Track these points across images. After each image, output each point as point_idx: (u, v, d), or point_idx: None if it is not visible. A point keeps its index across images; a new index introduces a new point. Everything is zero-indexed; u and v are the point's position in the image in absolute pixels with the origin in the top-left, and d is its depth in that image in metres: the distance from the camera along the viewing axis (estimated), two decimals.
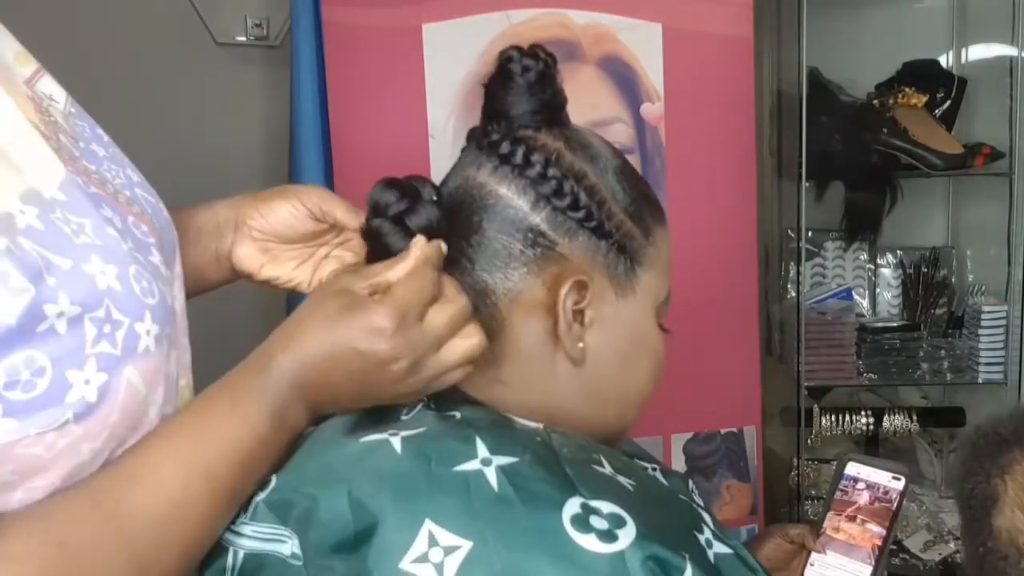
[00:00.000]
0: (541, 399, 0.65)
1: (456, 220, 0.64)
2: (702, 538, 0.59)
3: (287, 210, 0.73)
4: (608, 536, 0.52)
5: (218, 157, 2.00)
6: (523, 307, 0.63)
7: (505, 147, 0.64)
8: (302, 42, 1.60)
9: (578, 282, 0.63)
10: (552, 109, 0.67)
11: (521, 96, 0.66)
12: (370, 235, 0.64)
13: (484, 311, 0.64)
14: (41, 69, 0.59)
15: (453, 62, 1.56)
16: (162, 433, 0.56)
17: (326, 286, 0.63)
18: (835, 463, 2.16)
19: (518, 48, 0.67)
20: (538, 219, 0.63)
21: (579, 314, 0.64)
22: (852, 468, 0.89)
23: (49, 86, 0.60)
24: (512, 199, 0.63)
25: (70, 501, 0.52)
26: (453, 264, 0.64)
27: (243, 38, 2.04)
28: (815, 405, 2.06)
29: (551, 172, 0.63)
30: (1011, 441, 0.84)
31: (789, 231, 2.12)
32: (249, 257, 0.74)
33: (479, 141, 0.67)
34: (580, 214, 0.63)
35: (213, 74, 2.03)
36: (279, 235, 0.74)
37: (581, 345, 0.64)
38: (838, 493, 0.89)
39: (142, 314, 0.54)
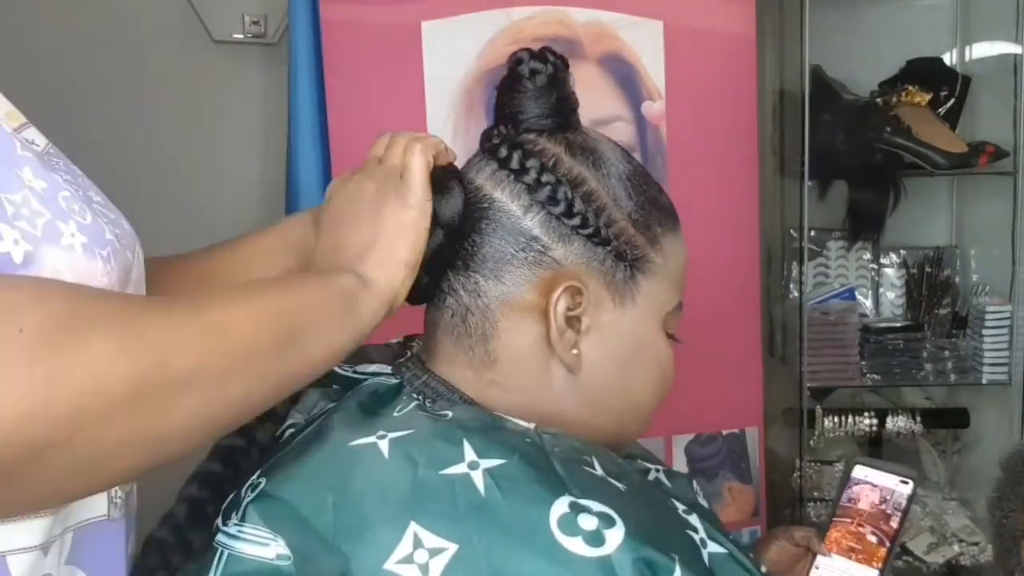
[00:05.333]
0: (537, 402, 0.64)
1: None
2: (696, 537, 0.58)
3: None
4: (596, 538, 0.52)
5: (216, 155, 1.99)
6: (515, 310, 0.63)
7: (503, 151, 0.65)
8: (300, 40, 1.59)
9: (571, 288, 0.63)
10: (561, 112, 0.67)
11: (529, 99, 0.67)
12: None
13: (477, 313, 0.64)
14: (28, 124, 0.58)
15: (452, 60, 1.55)
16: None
17: None
18: (838, 464, 2.17)
19: (528, 50, 0.67)
20: (531, 224, 0.63)
21: (574, 321, 0.63)
22: (859, 471, 0.88)
23: (33, 135, 0.59)
24: (507, 203, 0.64)
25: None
26: (449, 265, 0.65)
27: (240, 36, 2.02)
28: (818, 406, 2.05)
29: (545, 178, 0.63)
30: None
31: (791, 230, 2.11)
32: None
33: (482, 143, 0.68)
34: (575, 220, 0.63)
35: (210, 72, 2.02)
36: None
37: (575, 352, 0.64)
38: (845, 496, 0.88)
39: (66, 218, 0.52)
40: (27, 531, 0.50)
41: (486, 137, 0.69)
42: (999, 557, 0.84)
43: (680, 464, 1.71)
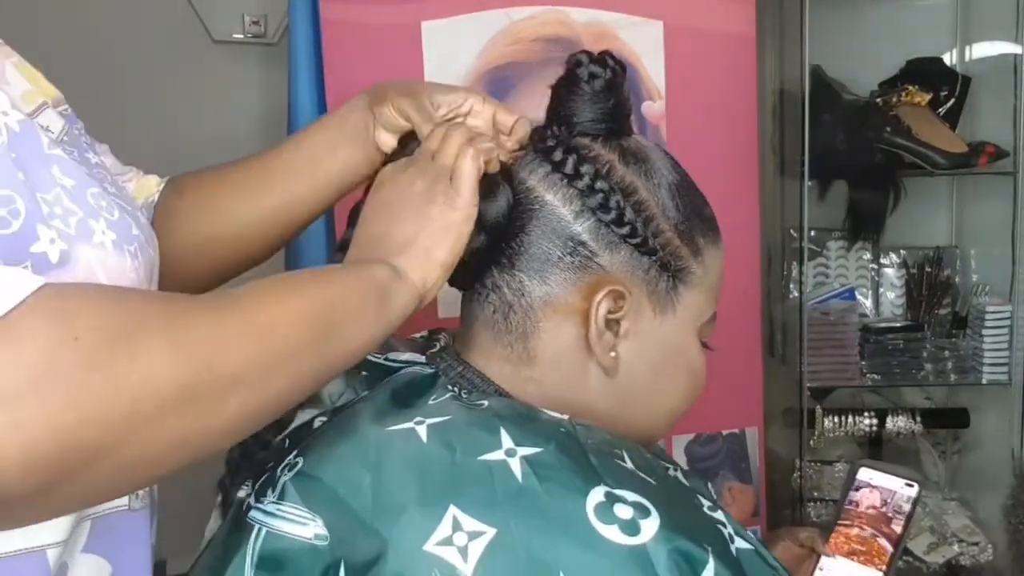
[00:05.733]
0: (571, 400, 0.65)
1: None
2: (725, 531, 0.59)
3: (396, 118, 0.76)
4: (632, 527, 0.53)
5: (215, 155, 1.98)
6: (558, 311, 0.64)
7: (558, 154, 0.65)
8: (300, 40, 1.59)
9: (614, 291, 0.63)
10: (615, 118, 0.67)
11: (585, 103, 0.67)
12: None
13: (519, 311, 0.65)
14: (45, 106, 0.59)
15: (452, 60, 1.54)
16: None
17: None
18: (838, 464, 2.17)
19: (588, 53, 0.68)
20: (580, 229, 0.64)
21: (614, 324, 0.64)
22: (864, 474, 0.88)
23: (48, 119, 0.60)
24: (558, 207, 0.64)
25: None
26: (493, 261, 0.65)
27: (240, 36, 2.03)
28: (818, 406, 2.05)
29: (599, 185, 0.63)
30: None
31: (791, 230, 2.11)
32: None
33: (535, 144, 0.68)
34: (624, 230, 0.63)
35: (211, 72, 2.02)
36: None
37: (613, 355, 0.65)
38: (849, 498, 0.88)
39: (96, 215, 0.54)
40: (55, 526, 0.52)
41: (540, 137, 0.69)
42: (1016, 563, 0.83)
43: (680, 464, 1.71)
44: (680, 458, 1.71)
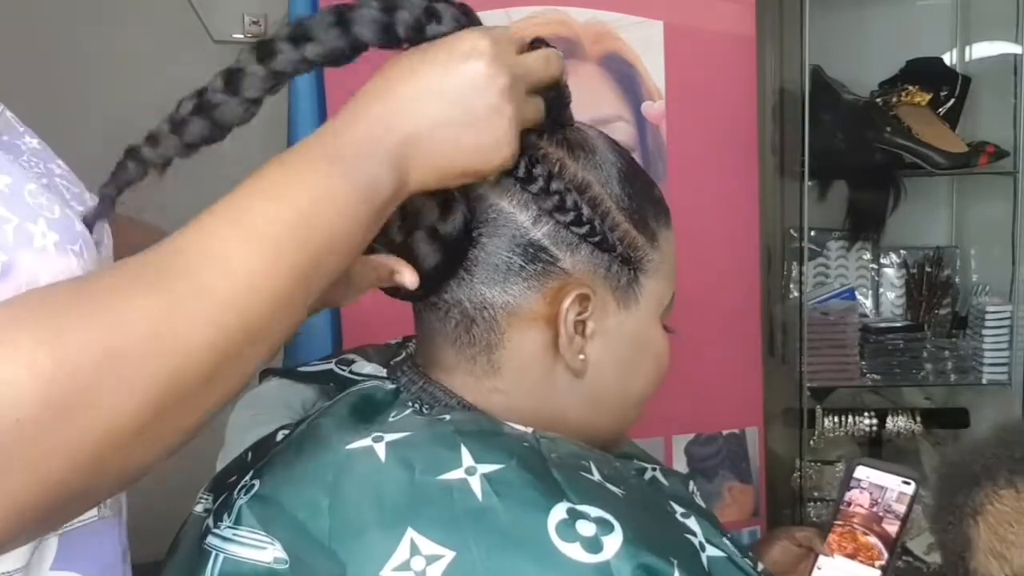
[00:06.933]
0: (539, 407, 0.64)
1: None
2: (695, 540, 0.58)
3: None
4: (594, 544, 0.52)
5: (215, 156, 1.98)
6: (522, 320, 0.62)
7: None
8: None
9: (580, 295, 0.61)
10: (555, 108, 0.63)
11: None
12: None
13: (482, 324, 0.62)
14: None
15: None
16: (223, 202, 0.49)
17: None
18: (838, 464, 2.17)
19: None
20: (540, 235, 0.61)
21: (580, 325, 0.62)
22: (861, 472, 0.88)
23: None
24: (514, 213, 0.61)
25: (110, 275, 0.47)
26: (452, 275, 0.62)
27: (240, 36, 2.02)
28: (818, 406, 2.05)
29: (554, 186, 0.60)
30: (982, 477, 0.81)
31: (791, 230, 2.11)
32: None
33: None
34: (584, 229, 0.61)
35: (210, 72, 2.02)
36: None
37: (582, 357, 0.63)
38: (847, 497, 0.88)
39: (35, 216, 0.50)
40: (14, 553, 0.49)
41: None
42: (948, 569, 0.83)
43: (680, 464, 1.70)
44: (680, 458, 1.71)
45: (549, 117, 0.62)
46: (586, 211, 0.61)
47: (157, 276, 0.46)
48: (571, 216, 0.60)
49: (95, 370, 0.42)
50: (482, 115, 0.55)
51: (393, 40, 0.56)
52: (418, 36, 0.56)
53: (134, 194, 0.67)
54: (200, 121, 0.55)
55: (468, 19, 0.58)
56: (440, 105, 0.54)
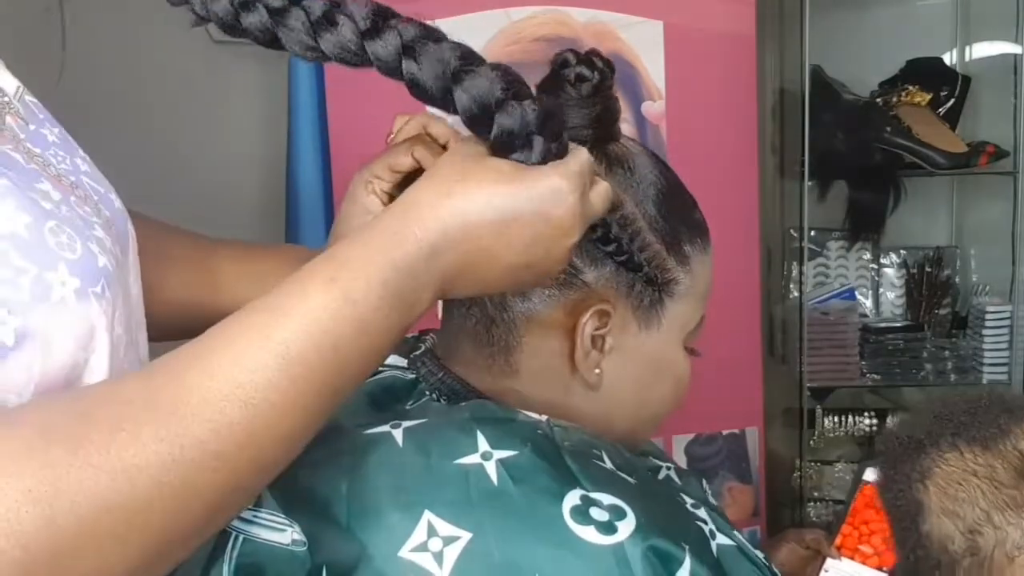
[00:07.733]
0: (554, 411, 0.64)
1: None
2: (705, 528, 0.59)
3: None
4: (608, 528, 0.52)
5: (215, 156, 1.99)
6: (541, 327, 0.62)
7: None
8: None
9: (600, 311, 0.61)
10: (602, 124, 0.63)
11: (571, 108, 0.62)
12: None
13: (502, 325, 0.63)
14: None
15: None
16: (247, 307, 0.47)
17: (471, 147, 0.54)
18: (838, 464, 2.16)
19: (575, 52, 0.63)
20: None
21: (598, 340, 0.63)
22: (870, 475, 0.88)
23: (2, 79, 0.57)
24: None
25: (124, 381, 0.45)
26: None
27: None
28: (818, 406, 2.05)
29: None
30: (927, 443, 0.82)
31: (791, 230, 2.11)
32: None
33: None
34: (610, 248, 0.61)
35: (211, 73, 2.01)
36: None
37: (598, 371, 0.63)
38: (856, 499, 0.88)
39: (54, 263, 0.48)
40: None
41: None
42: (899, 541, 0.83)
43: (680, 464, 1.71)
44: (680, 458, 1.71)
45: (594, 130, 0.62)
46: (615, 229, 0.60)
47: (171, 408, 0.43)
48: (599, 233, 0.60)
49: (93, 524, 0.40)
50: (548, 265, 0.54)
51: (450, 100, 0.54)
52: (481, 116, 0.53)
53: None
54: (262, 18, 0.52)
55: (560, 145, 0.54)
56: (508, 255, 0.52)
